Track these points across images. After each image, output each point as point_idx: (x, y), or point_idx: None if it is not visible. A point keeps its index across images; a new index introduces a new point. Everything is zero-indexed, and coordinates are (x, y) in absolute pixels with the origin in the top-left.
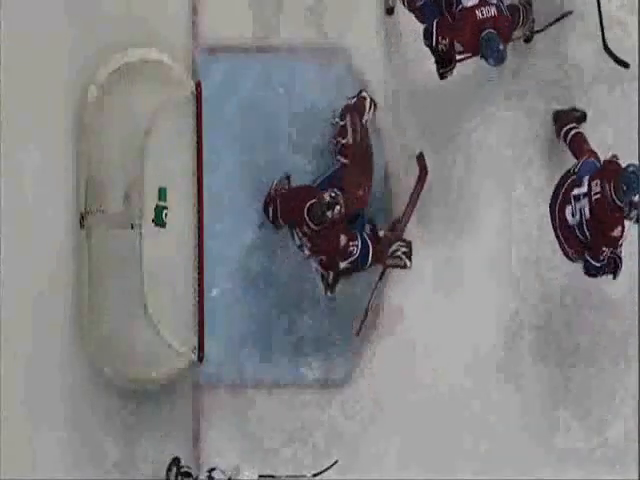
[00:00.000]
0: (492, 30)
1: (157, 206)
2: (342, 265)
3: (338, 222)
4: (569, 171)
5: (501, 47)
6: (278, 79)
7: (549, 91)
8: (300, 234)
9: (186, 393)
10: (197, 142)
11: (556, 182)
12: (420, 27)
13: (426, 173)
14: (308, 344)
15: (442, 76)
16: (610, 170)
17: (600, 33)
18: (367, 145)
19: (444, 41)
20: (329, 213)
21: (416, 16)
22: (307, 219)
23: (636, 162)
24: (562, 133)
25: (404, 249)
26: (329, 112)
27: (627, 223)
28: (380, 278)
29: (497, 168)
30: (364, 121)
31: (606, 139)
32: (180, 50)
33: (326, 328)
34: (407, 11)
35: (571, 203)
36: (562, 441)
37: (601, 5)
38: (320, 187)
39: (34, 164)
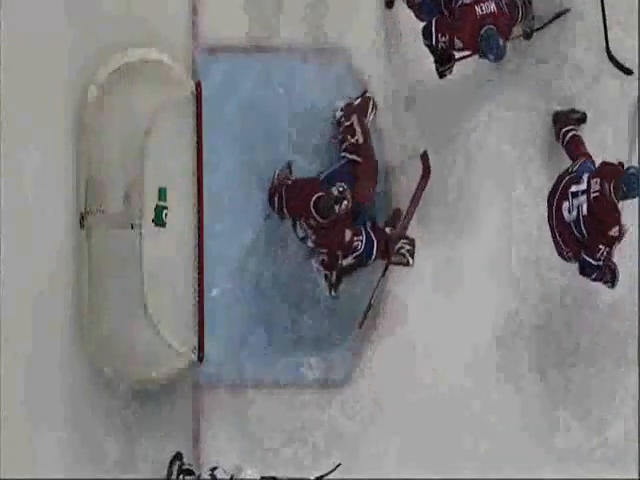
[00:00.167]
0: (492, 26)
1: (157, 206)
2: (345, 262)
3: (344, 217)
4: (567, 170)
5: (501, 43)
6: (278, 79)
7: (549, 91)
8: (305, 226)
9: (186, 393)
10: (197, 142)
11: (554, 180)
12: (420, 26)
13: (429, 172)
14: (308, 344)
15: (441, 75)
16: (611, 170)
17: (604, 41)
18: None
19: (443, 38)
20: (336, 207)
21: (415, 13)
22: (313, 212)
23: (636, 163)
24: (560, 134)
25: (408, 247)
26: (329, 112)
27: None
28: (383, 274)
29: (497, 168)
30: (367, 121)
31: (606, 139)
32: (180, 50)
33: (326, 328)
34: (407, 10)
35: (569, 199)
36: (562, 441)
37: (606, 14)
38: (327, 181)
39: (34, 164)
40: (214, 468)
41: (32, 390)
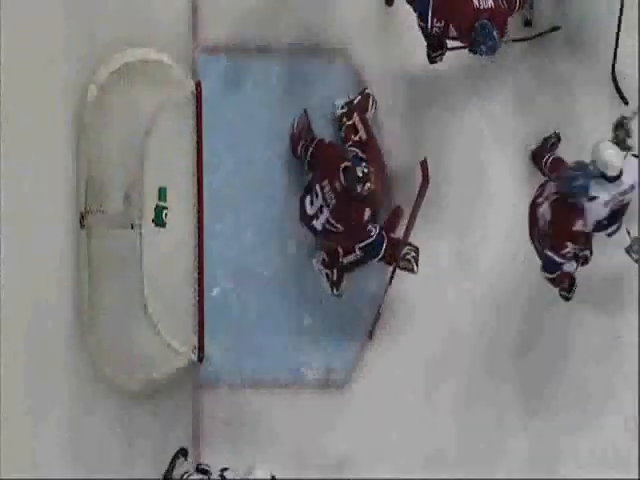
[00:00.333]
0: (487, 20)
1: (157, 206)
2: (347, 260)
3: (365, 200)
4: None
5: (495, 35)
6: (278, 79)
7: (549, 91)
8: (328, 188)
9: (186, 393)
10: (197, 142)
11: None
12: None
13: (428, 180)
14: (308, 344)
15: (432, 60)
16: (556, 167)
17: (611, 65)
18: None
19: (439, 24)
20: (359, 187)
21: (414, 9)
22: (342, 176)
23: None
24: (543, 167)
25: (413, 254)
26: (329, 112)
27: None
28: (390, 280)
29: (497, 168)
30: (368, 118)
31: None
32: (180, 50)
33: (326, 328)
34: (406, 6)
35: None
36: (562, 441)
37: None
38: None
39: (34, 164)
40: (224, 469)
41: (32, 390)
